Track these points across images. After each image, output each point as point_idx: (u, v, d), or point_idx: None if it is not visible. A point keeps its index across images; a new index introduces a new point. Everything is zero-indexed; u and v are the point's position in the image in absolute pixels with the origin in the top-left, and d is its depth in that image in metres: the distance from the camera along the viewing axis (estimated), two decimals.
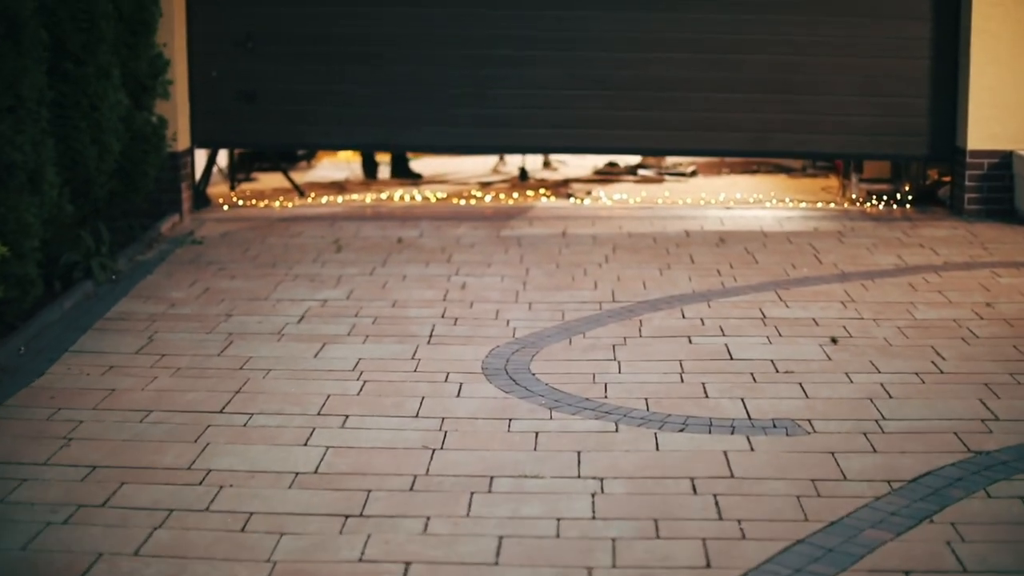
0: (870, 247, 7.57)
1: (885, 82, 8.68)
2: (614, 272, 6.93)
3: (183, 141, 8.54)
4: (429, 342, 5.64)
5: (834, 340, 5.59)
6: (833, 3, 8.63)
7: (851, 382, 5.01)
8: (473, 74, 8.77)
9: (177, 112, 8.35)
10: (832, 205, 8.94)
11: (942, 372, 5.13)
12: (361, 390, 4.97)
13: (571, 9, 8.66)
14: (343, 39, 8.75)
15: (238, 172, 10.12)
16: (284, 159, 10.74)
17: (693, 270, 6.96)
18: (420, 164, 11.12)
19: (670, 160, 10.55)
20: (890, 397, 4.81)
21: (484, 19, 8.71)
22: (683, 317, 6.02)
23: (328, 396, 4.89)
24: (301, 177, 10.36)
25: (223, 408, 4.76)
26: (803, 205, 8.93)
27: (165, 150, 7.62)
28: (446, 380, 5.09)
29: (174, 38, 8.19)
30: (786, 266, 7.07)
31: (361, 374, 5.17)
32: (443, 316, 6.07)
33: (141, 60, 7.25)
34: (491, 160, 11.08)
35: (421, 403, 4.80)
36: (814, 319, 5.94)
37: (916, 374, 5.09)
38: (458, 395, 4.91)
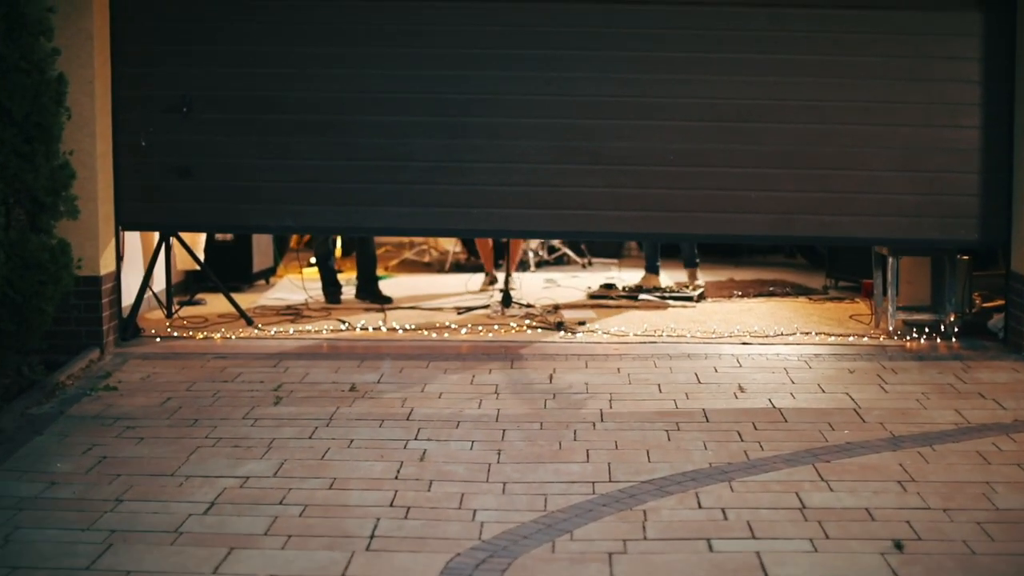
0: (920, 397, 6.26)
1: (928, 155, 7.42)
2: (611, 436, 5.60)
3: (106, 262, 7.28)
4: (369, 547, 4.30)
5: (899, 546, 4.25)
6: (867, 64, 7.38)
7: None
8: (446, 145, 7.48)
9: (98, 226, 7.10)
10: (866, 339, 7.65)
11: None
12: None
13: (560, 70, 7.41)
14: (294, 105, 7.48)
15: (182, 293, 8.86)
16: (239, 278, 9.50)
17: (708, 433, 5.65)
18: (392, 284, 9.87)
19: (664, 279, 9.30)
20: None
21: (460, 81, 7.44)
22: (699, 506, 4.69)
23: None
24: (255, 300, 9.10)
25: None
26: (832, 339, 7.64)
27: (68, 280, 6.34)
28: None
29: (95, 101, 7.01)
30: (822, 426, 5.75)
31: None
32: (392, 504, 4.73)
33: (39, 172, 6.01)
34: (476, 279, 9.81)
35: None
36: (868, 510, 4.61)
37: None
38: None
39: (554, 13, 7.39)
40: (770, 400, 6.20)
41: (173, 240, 8.15)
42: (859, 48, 7.37)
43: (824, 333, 7.77)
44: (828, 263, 9.80)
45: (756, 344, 7.52)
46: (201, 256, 8.94)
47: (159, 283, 8.29)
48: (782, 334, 7.76)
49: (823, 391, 6.39)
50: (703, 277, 9.78)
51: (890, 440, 5.52)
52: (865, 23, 7.35)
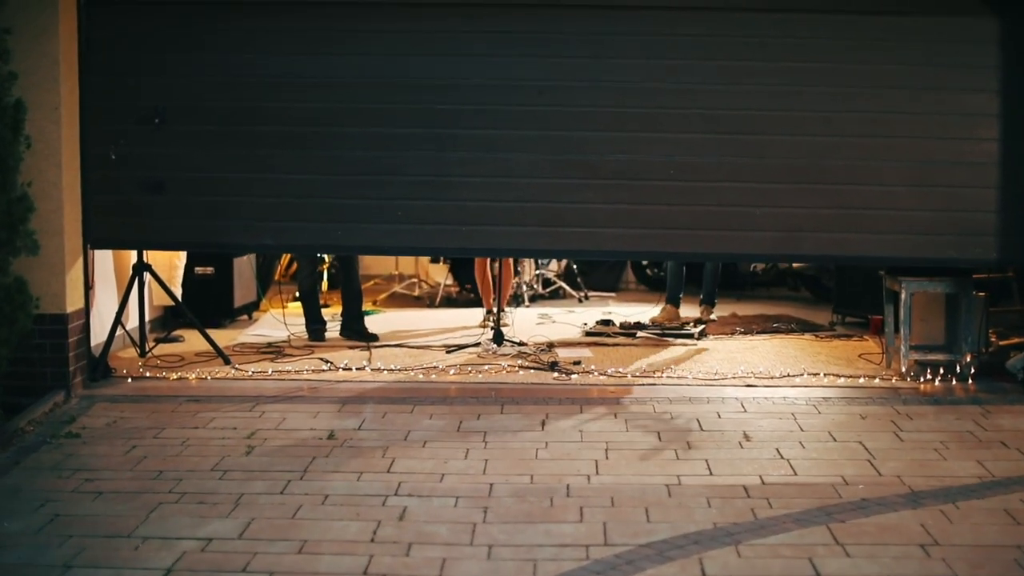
0: (938, 447, 5.84)
1: (943, 169, 6.97)
2: (606, 491, 5.18)
3: (73, 299, 6.88)
4: None
5: None
6: (878, 72, 6.94)
7: None
8: (435, 158, 7.04)
9: (64, 261, 6.71)
10: (877, 381, 7.23)
11: None
12: None
13: (555, 79, 6.97)
14: (273, 115, 7.05)
15: (160, 329, 8.46)
16: (220, 314, 9.09)
17: (712, 488, 5.22)
18: (380, 320, 9.46)
19: (651, 309, 8.90)
20: None
21: (449, 91, 7.00)
22: (703, 575, 4.26)
23: None
24: (235, 336, 8.69)
25: None
26: (842, 381, 7.22)
27: (24, 320, 5.95)
28: None
29: (62, 129, 6.62)
30: (835, 479, 5.33)
31: None
32: (366, 572, 4.30)
33: None
34: (474, 314, 9.37)
35: None
36: None
37: None
38: None
39: (548, 19, 6.97)
40: (778, 450, 5.78)
41: (147, 274, 7.74)
42: (870, 55, 6.94)
43: (833, 374, 7.35)
44: (835, 298, 9.40)
45: (761, 386, 7.10)
46: (178, 290, 8.53)
47: (135, 319, 7.87)
48: (788, 375, 7.34)
49: (834, 439, 5.97)
50: (697, 313, 9.36)
51: (909, 496, 5.10)
52: (876, 29, 6.92)
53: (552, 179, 7.05)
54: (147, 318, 8.25)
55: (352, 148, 7.05)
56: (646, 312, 9.53)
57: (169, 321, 8.76)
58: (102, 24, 6.98)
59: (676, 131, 6.99)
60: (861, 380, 7.23)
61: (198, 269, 9.05)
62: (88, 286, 7.09)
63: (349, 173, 7.10)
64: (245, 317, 9.51)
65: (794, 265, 10.54)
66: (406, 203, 7.09)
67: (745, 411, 6.53)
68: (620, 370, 7.43)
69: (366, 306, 9.95)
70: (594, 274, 11.29)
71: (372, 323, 9.11)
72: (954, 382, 7.17)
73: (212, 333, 8.61)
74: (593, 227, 7.08)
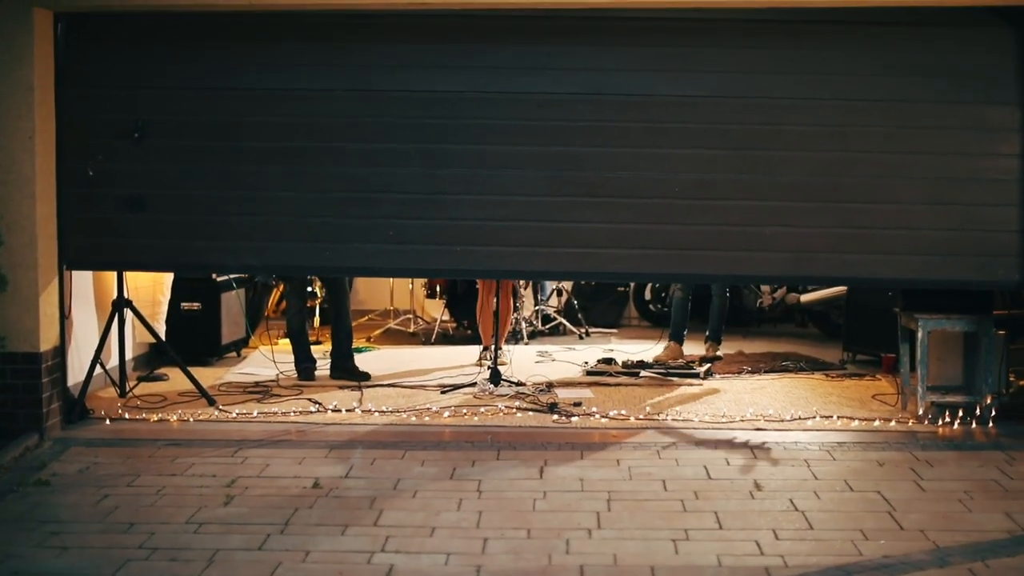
0: (962, 497, 5.49)
1: (962, 186, 6.57)
2: (609, 547, 4.82)
3: (48, 337, 6.54)
4: None
5: None
6: (893, 84, 6.55)
7: None
8: (427, 175, 6.66)
9: (38, 297, 6.37)
10: (893, 424, 6.88)
11: None
12: None
13: (553, 91, 6.60)
14: (258, 130, 6.68)
15: (144, 367, 8.12)
16: (207, 351, 8.75)
17: (722, 542, 4.86)
18: (373, 358, 9.12)
19: (653, 345, 8.55)
20: None
21: (442, 105, 6.64)
22: None
23: None
24: (221, 375, 8.34)
25: None
26: (856, 424, 6.86)
27: None
28: None
29: (36, 158, 6.32)
30: (853, 534, 4.97)
31: None
32: None
33: None
34: (470, 352, 9.01)
35: None
36: None
37: None
38: None
39: (545, 26, 6.61)
40: (791, 501, 5.42)
41: (128, 310, 7.40)
42: (885, 68, 6.57)
43: (846, 417, 7.00)
44: (845, 334, 9.05)
45: (771, 430, 6.74)
46: (163, 326, 8.20)
47: (128, 353, 7.53)
48: (800, 418, 6.99)
49: (851, 489, 5.62)
50: (701, 350, 9.03)
51: (935, 553, 4.74)
52: (890, 40, 6.56)
53: (550, 197, 6.68)
54: (128, 356, 7.92)
55: (340, 164, 6.69)
56: (649, 350, 9.18)
57: (153, 359, 8.43)
58: (80, 36, 6.66)
59: (681, 146, 6.63)
60: (876, 423, 6.87)
61: (184, 305, 8.71)
62: (64, 315, 6.75)
63: (338, 190, 6.71)
64: (233, 354, 9.16)
65: (802, 300, 10.20)
66: (397, 222, 6.72)
67: (755, 457, 6.18)
68: (623, 412, 7.07)
69: (359, 343, 9.64)
70: (595, 309, 10.95)
71: (365, 361, 8.77)
72: (974, 425, 6.82)
73: (198, 371, 8.29)
74: (594, 247, 6.71)
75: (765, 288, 10.39)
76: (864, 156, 6.60)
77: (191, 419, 6.99)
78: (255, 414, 7.08)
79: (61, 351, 6.75)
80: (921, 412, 6.95)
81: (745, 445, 6.42)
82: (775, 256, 6.71)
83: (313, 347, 8.83)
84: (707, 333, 9.02)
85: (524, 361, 8.87)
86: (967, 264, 6.65)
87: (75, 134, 6.68)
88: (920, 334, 6.98)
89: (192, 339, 8.70)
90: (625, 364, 8.46)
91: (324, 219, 6.75)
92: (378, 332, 10.34)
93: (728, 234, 6.67)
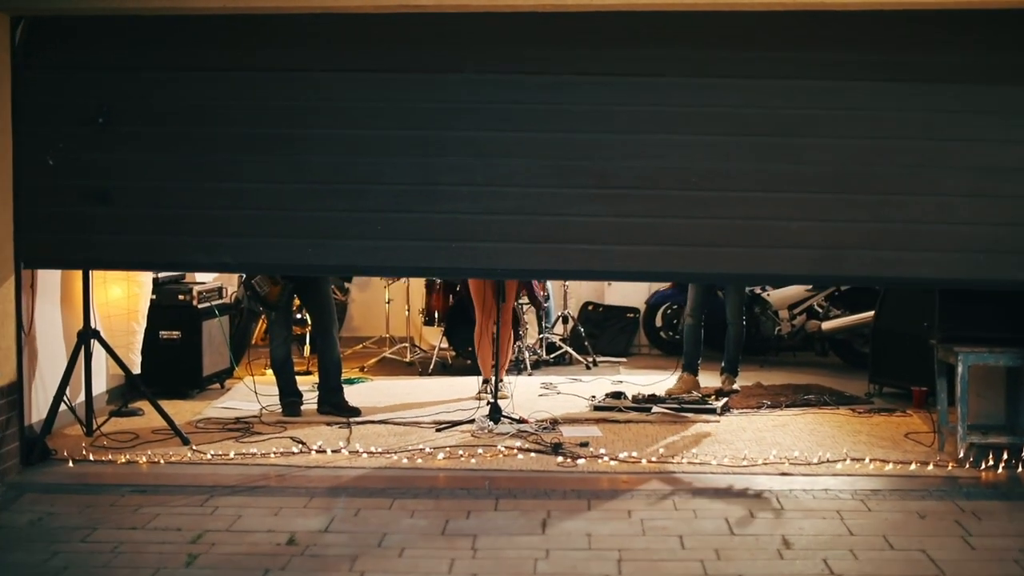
0: (1018, 556, 4.87)
1: (1008, 176, 5.90)
2: None
3: (4, 371, 5.97)
4: None
5: None
6: (931, 67, 5.87)
7: None
8: (420, 164, 6.01)
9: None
10: (931, 467, 6.26)
11: None
12: None
13: (558, 73, 5.94)
14: (235, 116, 6.06)
15: (119, 399, 7.55)
16: (188, 383, 8.18)
17: None
18: (365, 390, 8.53)
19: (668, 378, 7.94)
20: None
21: (437, 87, 5.98)
22: None
23: None
24: (201, 409, 7.75)
25: None
26: (890, 468, 6.25)
27: None
28: None
29: None
30: None
31: None
32: None
33: None
34: (469, 384, 8.36)
35: None
36: None
37: None
38: None
39: (551, 12, 5.91)
40: (825, 561, 4.81)
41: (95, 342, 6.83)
42: (921, 48, 5.91)
43: (879, 460, 6.38)
44: (871, 365, 8.42)
45: (798, 475, 6.13)
46: (137, 357, 7.62)
47: (102, 385, 6.96)
48: (828, 460, 6.37)
49: (891, 547, 5.00)
50: (716, 381, 8.44)
51: None
52: (927, 19, 5.88)
53: (555, 188, 5.99)
54: (102, 388, 7.40)
55: (324, 152, 6.06)
56: (661, 381, 8.59)
57: (128, 391, 7.81)
58: (40, 20, 6.08)
59: (699, 133, 5.96)
60: (913, 467, 6.26)
61: (163, 333, 8.14)
62: (21, 329, 6.18)
63: (320, 181, 6.06)
64: (217, 386, 8.58)
65: (823, 327, 9.58)
66: (387, 216, 6.04)
67: (782, 507, 5.56)
68: (633, 455, 6.45)
69: (352, 373, 9.09)
70: (603, 337, 10.36)
71: (357, 393, 8.19)
72: (1020, 469, 6.20)
73: (177, 405, 7.78)
74: (602, 244, 6.01)
75: (784, 315, 9.79)
76: (899, 144, 5.90)
77: (162, 461, 6.40)
78: (232, 455, 6.48)
79: (19, 387, 6.18)
80: (961, 454, 6.33)
81: (770, 493, 5.80)
82: (802, 253, 6.01)
83: (304, 377, 8.27)
84: (723, 364, 8.42)
85: (527, 394, 8.26)
86: (1012, 262, 5.96)
87: (33, 120, 6.09)
88: (960, 368, 6.37)
89: (171, 370, 8.14)
90: (635, 398, 7.85)
91: (305, 212, 6.08)
92: (372, 361, 9.75)
93: (750, 229, 5.97)
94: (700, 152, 5.98)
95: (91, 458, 6.43)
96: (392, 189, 6.05)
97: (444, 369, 9.45)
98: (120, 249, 6.25)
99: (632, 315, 10.54)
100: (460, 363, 9.46)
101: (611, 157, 5.99)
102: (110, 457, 6.44)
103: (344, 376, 8.81)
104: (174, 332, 8.18)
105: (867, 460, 6.37)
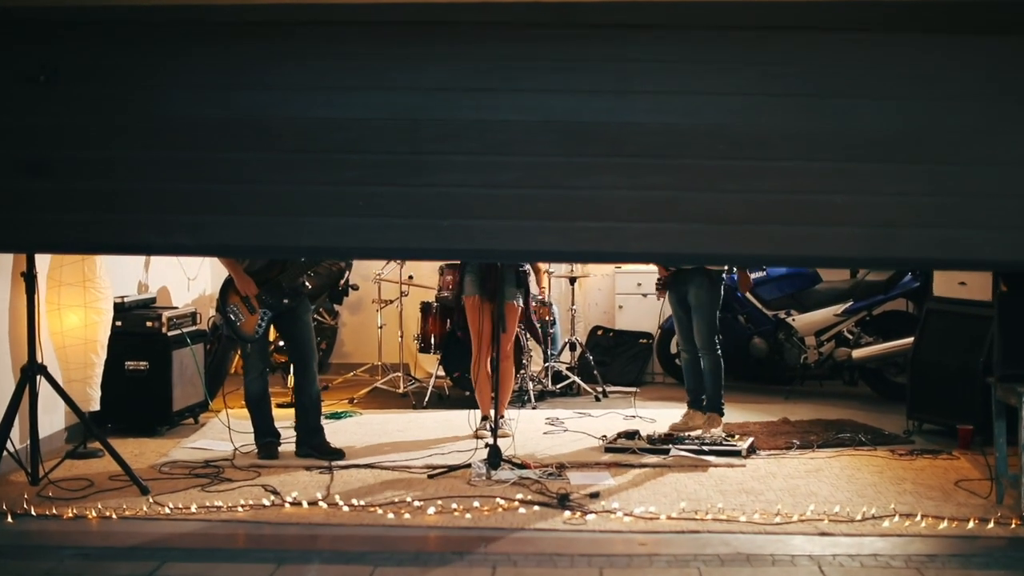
0: None
1: None
2: None
3: None
4: None
5: None
6: (997, 7, 4.90)
7: None
8: (406, 130, 5.05)
9: None
10: (991, 525, 5.47)
11: None
12: None
13: (567, 26, 4.98)
14: (192, 73, 5.12)
15: (78, 438, 6.79)
16: (156, 419, 7.43)
17: None
18: (353, 426, 7.76)
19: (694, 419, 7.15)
20: None
21: (421, 40, 5.05)
22: None
23: None
24: (169, 449, 6.99)
25: None
26: (944, 526, 5.46)
27: None
28: None
29: None
30: None
31: None
32: None
33: None
34: (466, 419, 7.56)
35: None
36: None
37: None
38: None
39: None
40: None
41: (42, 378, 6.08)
42: None
43: (931, 516, 5.59)
44: (909, 399, 7.61)
45: (840, 535, 5.34)
46: (96, 392, 6.86)
47: (60, 423, 6.19)
48: (874, 517, 5.59)
49: None
50: (738, 416, 7.64)
51: None
52: None
53: (563, 157, 5.04)
54: (61, 426, 6.63)
55: (297, 118, 5.23)
56: (677, 413, 7.82)
57: (87, 430, 7.05)
58: None
59: (728, 92, 5.05)
60: (971, 524, 5.47)
61: (129, 364, 7.39)
62: None
63: (291, 150, 5.10)
64: (190, 421, 7.81)
65: (854, 355, 8.79)
66: (369, 189, 5.12)
67: None
68: (651, 509, 5.67)
69: (340, 406, 8.34)
70: (614, 365, 9.58)
71: (344, 430, 7.43)
72: None
73: (144, 444, 7.09)
74: (616, 221, 5.03)
75: (810, 342, 9.00)
76: (959, 104, 5.05)
77: (114, 515, 5.63)
78: (194, 508, 5.71)
79: None
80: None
81: (808, 558, 5.01)
82: (849, 231, 5.02)
83: (287, 409, 7.52)
84: (703, 402, 7.58)
85: (530, 432, 7.48)
86: None
87: None
88: (1023, 410, 5.59)
89: (138, 405, 7.42)
90: (650, 439, 7.05)
91: (275, 186, 5.11)
92: (363, 392, 8.97)
93: (788, 204, 4.99)
94: (730, 115, 5.02)
95: (33, 512, 5.67)
96: (374, 159, 5.07)
97: (440, 401, 8.68)
98: (60, 229, 5.28)
99: (645, 341, 9.76)
100: (458, 394, 8.69)
101: (627, 120, 5.10)
102: (55, 511, 5.68)
103: (332, 410, 8.12)
104: (141, 362, 7.43)
105: (918, 517, 5.58)
